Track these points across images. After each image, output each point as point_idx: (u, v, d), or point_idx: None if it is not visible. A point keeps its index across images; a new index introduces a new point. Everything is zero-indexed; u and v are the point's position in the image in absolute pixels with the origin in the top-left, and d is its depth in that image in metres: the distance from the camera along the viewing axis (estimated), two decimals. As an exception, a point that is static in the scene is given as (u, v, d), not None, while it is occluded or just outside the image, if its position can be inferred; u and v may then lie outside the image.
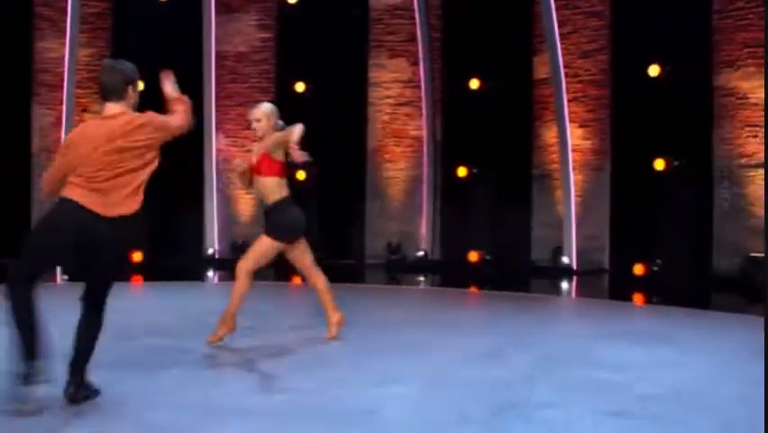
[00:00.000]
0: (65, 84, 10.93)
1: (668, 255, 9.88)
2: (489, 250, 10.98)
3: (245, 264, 5.18)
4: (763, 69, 8.51)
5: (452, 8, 11.34)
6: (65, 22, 11.03)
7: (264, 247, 5.18)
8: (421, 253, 11.14)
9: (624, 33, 10.41)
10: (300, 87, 11.27)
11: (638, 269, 9.52)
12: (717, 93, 9.56)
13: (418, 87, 11.39)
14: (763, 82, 8.55)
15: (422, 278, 10.60)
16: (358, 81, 11.52)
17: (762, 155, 9.04)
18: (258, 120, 5.20)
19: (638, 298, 8.86)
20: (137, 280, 9.82)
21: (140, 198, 3.73)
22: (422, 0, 11.08)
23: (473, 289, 9.64)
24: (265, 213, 5.35)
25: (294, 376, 4.53)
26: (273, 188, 5.17)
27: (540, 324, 6.84)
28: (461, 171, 10.91)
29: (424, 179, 11.35)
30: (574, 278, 10.35)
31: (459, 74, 11.24)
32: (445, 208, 11.47)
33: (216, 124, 11.47)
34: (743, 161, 9.40)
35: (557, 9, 10.38)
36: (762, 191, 9.00)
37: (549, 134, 10.94)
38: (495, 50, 11.10)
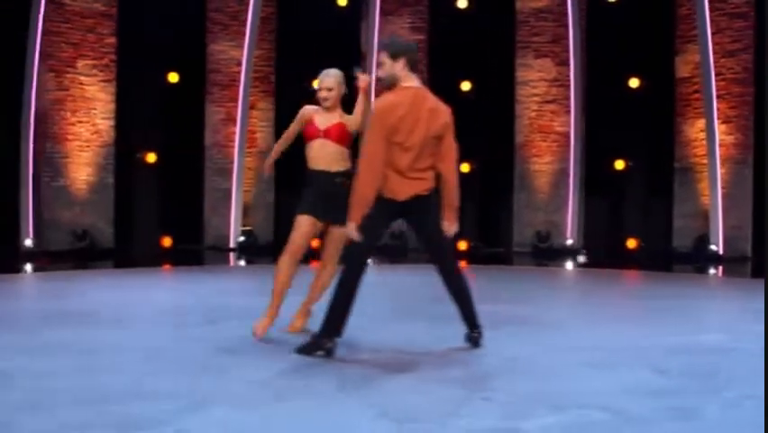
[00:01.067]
0: (241, 83, 11.79)
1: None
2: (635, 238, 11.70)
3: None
4: None
5: (597, 11, 12.07)
6: (236, 26, 11.92)
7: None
8: (570, 242, 11.84)
9: (768, 34, 11.04)
10: (466, 86, 12.07)
11: (797, 254, 10.10)
12: None
13: (563, 85, 12.11)
14: None
15: (570, 264, 11.27)
16: (506, 80, 12.27)
17: None
18: (330, 89, 4.76)
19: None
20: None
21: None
22: (575, 3, 11.79)
23: (633, 272, 10.30)
24: (321, 184, 4.71)
25: (621, 334, 5.27)
26: (342, 156, 4.74)
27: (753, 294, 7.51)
28: (619, 165, 11.60)
29: (570, 172, 12.06)
30: (722, 264, 10.96)
31: (604, 73, 11.96)
32: (589, 200, 12.19)
33: (375, 120, 12.32)
34: None
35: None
36: None
37: (691, 130, 11.61)
38: (639, 50, 11.81)
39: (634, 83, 11.83)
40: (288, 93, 12.01)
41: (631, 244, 11.42)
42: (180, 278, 9.04)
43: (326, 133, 4.72)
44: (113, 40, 11.32)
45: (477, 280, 9.22)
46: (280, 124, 11.94)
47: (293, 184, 12.55)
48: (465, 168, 11.41)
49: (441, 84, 12.24)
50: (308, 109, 4.87)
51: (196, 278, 8.73)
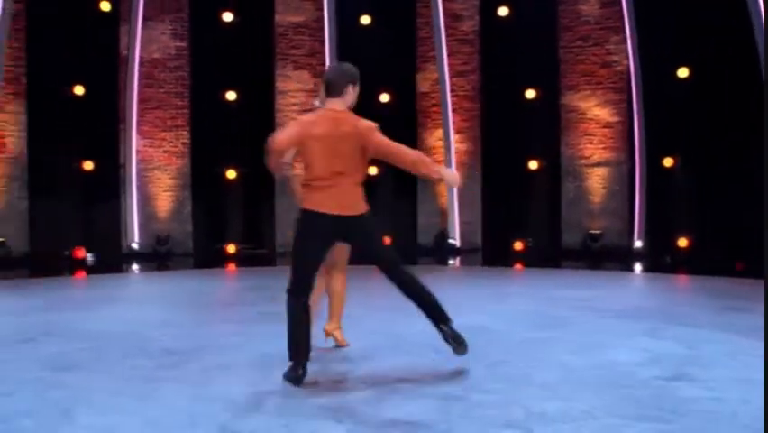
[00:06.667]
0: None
1: None
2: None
3: None
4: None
5: (350, 30, 13.15)
6: None
7: None
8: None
9: None
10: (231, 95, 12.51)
11: None
12: None
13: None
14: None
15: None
16: (267, 90, 12.91)
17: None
18: None
19: None
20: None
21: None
22: (331, 19, 12.75)
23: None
24: None
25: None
26: None
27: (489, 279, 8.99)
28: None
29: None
30: (459, 255, 12.65)
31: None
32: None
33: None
34: None
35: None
36: None
37: (430, 138, 13.19)
38: (388, 67, 13.06)
39: (385, 98, 13.05)
40: (41, 96, 11.53)
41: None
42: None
43: None
44: None
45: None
46: (34, 128, 11.41)
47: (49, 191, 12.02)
48: (232, 174, 11.87)
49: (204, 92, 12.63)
50: None
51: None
